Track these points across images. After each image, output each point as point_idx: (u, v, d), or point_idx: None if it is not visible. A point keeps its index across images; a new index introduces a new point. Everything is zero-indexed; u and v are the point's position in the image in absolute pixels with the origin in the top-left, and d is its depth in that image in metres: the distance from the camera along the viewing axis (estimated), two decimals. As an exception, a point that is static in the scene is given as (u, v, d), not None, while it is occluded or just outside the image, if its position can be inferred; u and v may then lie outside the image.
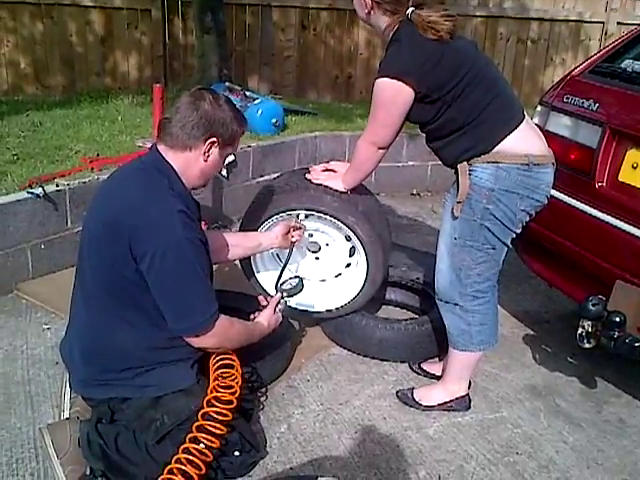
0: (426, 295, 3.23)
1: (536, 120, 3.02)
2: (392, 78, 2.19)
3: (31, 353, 2.85)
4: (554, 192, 2.83)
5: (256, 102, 5.06)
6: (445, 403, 2.63)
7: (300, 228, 2.73)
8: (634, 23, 7.06)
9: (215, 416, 2.03)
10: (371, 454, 2.38)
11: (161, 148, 2.10)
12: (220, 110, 2.07)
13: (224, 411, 2.04)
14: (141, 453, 2.06)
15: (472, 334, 2.50)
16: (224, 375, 2.15)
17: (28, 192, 3.34)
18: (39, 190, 3.36)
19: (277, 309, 2.47)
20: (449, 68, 2.20)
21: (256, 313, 2.46)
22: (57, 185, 3.49)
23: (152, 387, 2.10)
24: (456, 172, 2.32)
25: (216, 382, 2.12)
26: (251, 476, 2.20)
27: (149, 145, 4.03)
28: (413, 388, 2.71)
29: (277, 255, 3.04)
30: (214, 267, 2.26)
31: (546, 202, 2.37)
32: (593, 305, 2.40)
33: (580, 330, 2.47)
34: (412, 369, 2.91)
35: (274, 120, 5.03)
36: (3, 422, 2.39)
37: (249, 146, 4.64)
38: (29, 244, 3.38)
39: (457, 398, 2.64)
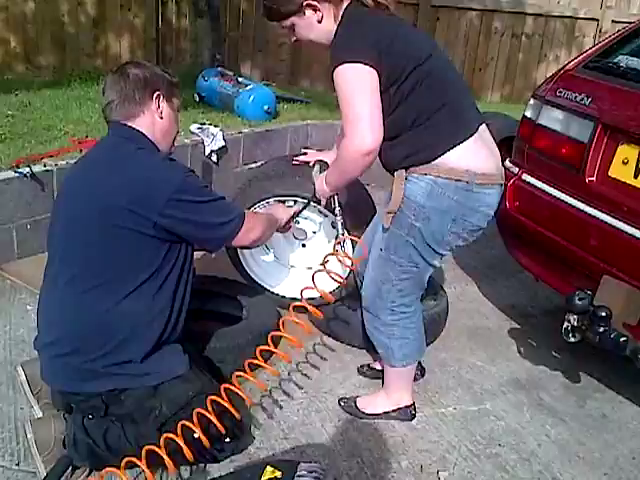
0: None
1: (528, 113, 3.02)
2: (352, 62, 1.99)
3: (14, 334, 2.82)
4: (544, 186, 2.86)
5: (248, 88, 5.03)
6: (389, 412, 2.51)
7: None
8: (628, 21, 7.06)
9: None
10: (354, 442, 2.38)
11: (121, 121, 2.14)
12: (146, 67, 2.18)
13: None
14: (132, 448, 2.01)
15: (393, 349, 2.40)
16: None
17: (15, 171, 3.31)
18: (26, 170, 3.33)
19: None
20: (405, 49, 2.06)
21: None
22: (45, 165, 3.45)
23: (151, 375, 2.06)
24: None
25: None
26: (233, 461, 2.20)
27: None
28: (357, 397, 2.58)
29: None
30: (201, 253, 2.28)
31: (485, 226, 2.22)
32: (579, 299, 2.41)
33: (566, 324, 2.48)
34: (360, 372, 2.81)
35: (266, 107, 5.01)
36: (-16, 402, 2.38)
37: (240, 132, 4.62)
38: (15, 224, 3.35)
39: (401, 408, 2.52)
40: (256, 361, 2.11)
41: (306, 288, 2.26)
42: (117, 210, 1.97)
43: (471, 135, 2.12)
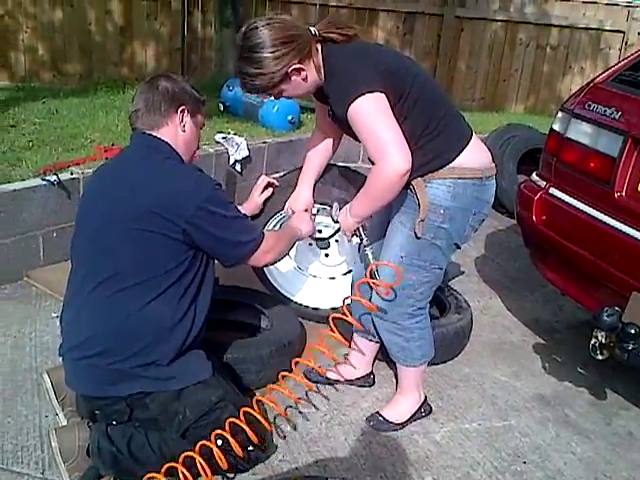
0: (436, 299, 3.20)
1: (556, 127, 2.99)
2: (364, 94, 2.04)
3: (39, 341, 2.84)
4: (572, 200, 2.83)
5: (272, 98, 5.03)
6: (415, 413, 2.55)
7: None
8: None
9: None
10: (377, 457, 2.36)
11: (145, 131, 2.19)
12: (176, 82, 2.24)
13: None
14: (155, 455, 2.03)
15: (412, 350, 2.45)
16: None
17: (42, 179, 3.34)
18: (53, 177, 3.36)
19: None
20: (399, 66, 2.17)
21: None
22: (71, 173, 3.49)
23: (175, 379, 2.08)
24: (405, 188, 2.17)
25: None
26: (256, 474, 2.19)
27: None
28: (378, 412, 2.56)
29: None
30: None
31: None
32: (608, 316, 2.37)
33: (593, 341, 2.45)
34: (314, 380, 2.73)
35: (290, 117, 5.02)
36: (9, 409, 2.39)
37: (264, 142, 4.63)
38: (41, 231, 3.38)
39: (422, 404, 2.58)
40: (287, 374, 2.23)
41: (338, 318, 2.29)
42: (144, 214, 2.01)
43: (472, 135, 2.27)
